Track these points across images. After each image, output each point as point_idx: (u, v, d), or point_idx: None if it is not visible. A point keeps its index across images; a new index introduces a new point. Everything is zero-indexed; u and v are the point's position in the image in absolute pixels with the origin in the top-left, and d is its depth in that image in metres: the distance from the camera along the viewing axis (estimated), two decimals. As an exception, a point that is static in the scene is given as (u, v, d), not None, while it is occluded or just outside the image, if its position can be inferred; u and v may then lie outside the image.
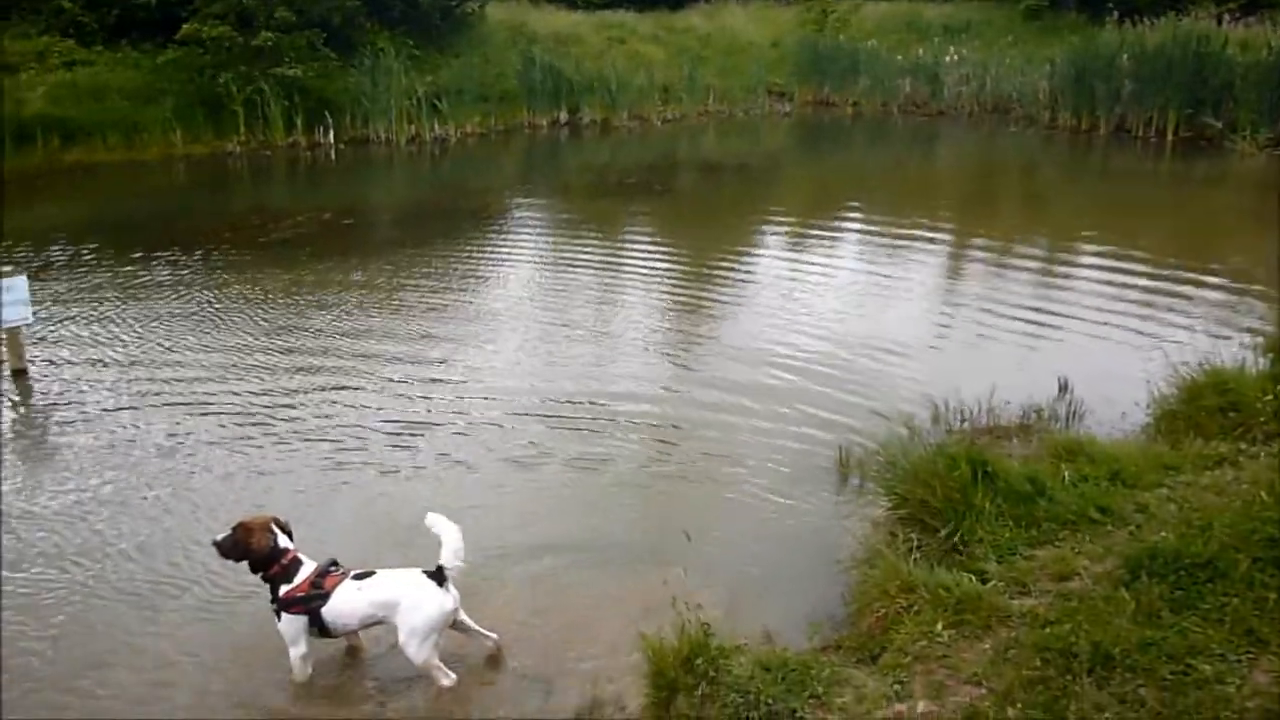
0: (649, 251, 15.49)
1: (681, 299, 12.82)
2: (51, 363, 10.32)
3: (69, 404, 9.36)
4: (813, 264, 14.61)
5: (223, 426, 8.81)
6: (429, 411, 9.23)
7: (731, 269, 14.31)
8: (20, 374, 9.91)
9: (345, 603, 5.35)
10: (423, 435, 8.71)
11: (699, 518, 7.28)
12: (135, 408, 9.22)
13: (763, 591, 6.44)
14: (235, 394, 9.55)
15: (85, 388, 9.70)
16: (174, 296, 12.53)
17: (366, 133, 24.40)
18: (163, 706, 5.45)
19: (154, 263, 14.02)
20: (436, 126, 25.29)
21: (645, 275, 13.86)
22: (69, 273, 13.53)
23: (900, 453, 7.17)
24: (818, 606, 6.15)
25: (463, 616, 5.56)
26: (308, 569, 5.43)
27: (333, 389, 9.67)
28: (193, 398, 9.47)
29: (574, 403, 9.46)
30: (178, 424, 8.88)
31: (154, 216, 17.40)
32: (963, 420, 8.63)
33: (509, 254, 15.33)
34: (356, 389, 9.66)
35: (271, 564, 5.37)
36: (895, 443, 7.59)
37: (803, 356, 10.47)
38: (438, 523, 5.42)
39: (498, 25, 28.97)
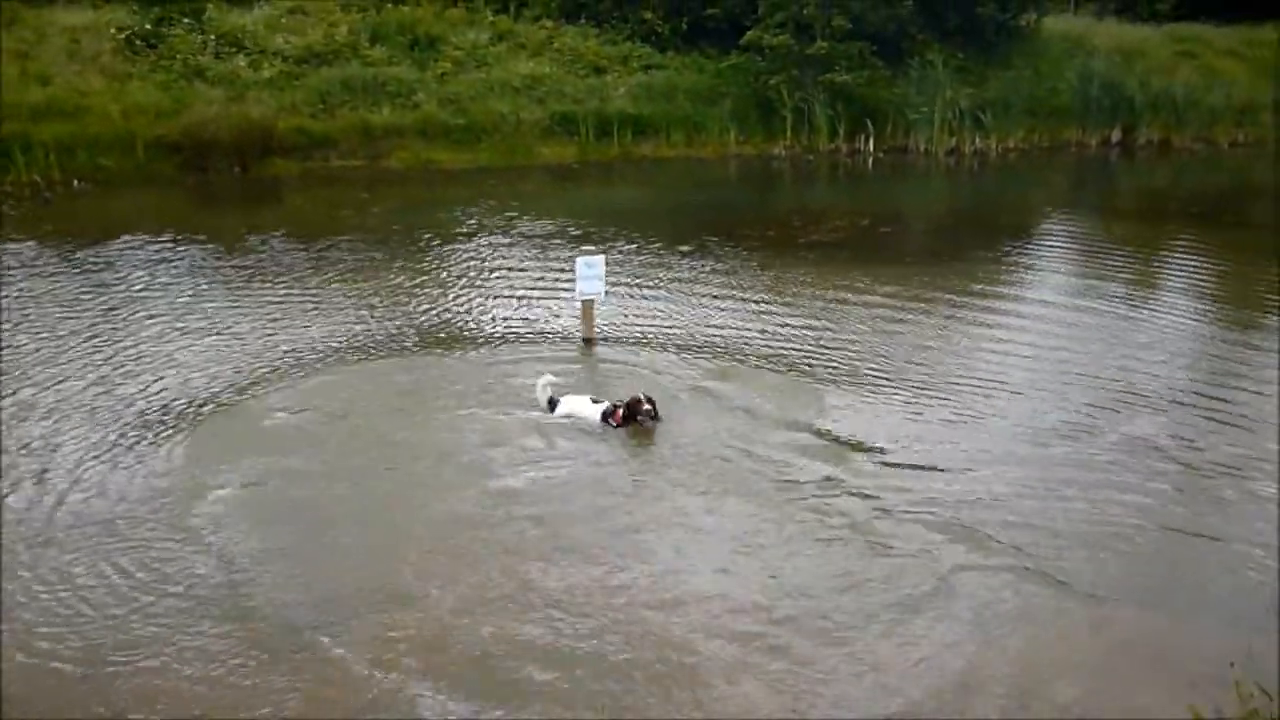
0: (1195, 282, 14.14)
1: (1223, 341, 11.51)
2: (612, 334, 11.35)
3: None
4: None
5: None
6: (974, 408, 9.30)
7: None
8: (589, 342, 10.96)
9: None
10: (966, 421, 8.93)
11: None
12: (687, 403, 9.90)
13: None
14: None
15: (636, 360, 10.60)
16: (719, 283, 13.35)
17: (905, 142, 24.48)
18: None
19: (702, 250, 15.01)
20: (977, 140, 24.72)
21: (1181, 310, 12.69)
22: (629, 252, 14.88)
23: None
24: None
25: None
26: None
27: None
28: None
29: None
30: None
31: (707, 208, 18.76)
32: None
33: (1046, 269, 14.86)
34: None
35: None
36: None
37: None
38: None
39: (1054, 37, 27.67)
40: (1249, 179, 23.01)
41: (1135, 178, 24.04)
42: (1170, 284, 14.18)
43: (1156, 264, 15.43)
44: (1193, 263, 15.10)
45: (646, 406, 8.55)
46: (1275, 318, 12.24)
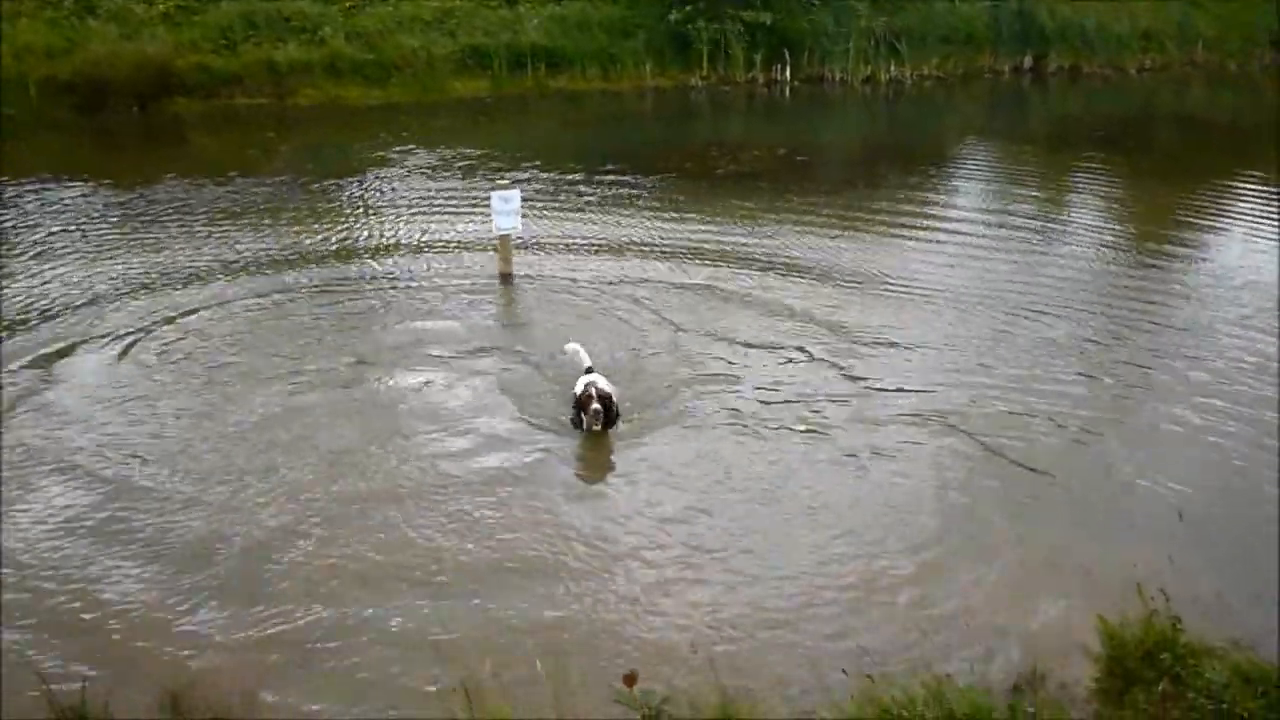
0: (1102, 202, 14.60)
1: (1124, 262, 11.80)
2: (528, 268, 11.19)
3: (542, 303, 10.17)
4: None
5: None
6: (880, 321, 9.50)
7: (1193, 236, 12.80)
8: (506, 277, 10.77)
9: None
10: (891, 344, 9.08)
11: (1198, 490, 6.71)
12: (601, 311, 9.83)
13: (1255, 598, 5.70)
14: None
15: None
16: (635, 214, 13.26)
17: (822, 71, 24.36)
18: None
19: (618, 183, 14.88)
20: (893, 68, 24.76)
21: (1090, 228, 13.07)
22: (547, 186, 14.65)
23: None
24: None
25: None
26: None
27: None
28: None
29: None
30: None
31: (623, 141, 18.59)
32: None
33: (961, 192, 15.15)
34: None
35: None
36: None
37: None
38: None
39: (971, -35, 27.67)
40: (1154, 104, 23.46)
41: (1047, 105, 24.37)
42: (1080, 204, 14.56)
43: (1067, 186, 15.78)
44: (1100, 184, 15.47)
45: (595, 406, 7.22)
46: (1175, 235, 12.64)
